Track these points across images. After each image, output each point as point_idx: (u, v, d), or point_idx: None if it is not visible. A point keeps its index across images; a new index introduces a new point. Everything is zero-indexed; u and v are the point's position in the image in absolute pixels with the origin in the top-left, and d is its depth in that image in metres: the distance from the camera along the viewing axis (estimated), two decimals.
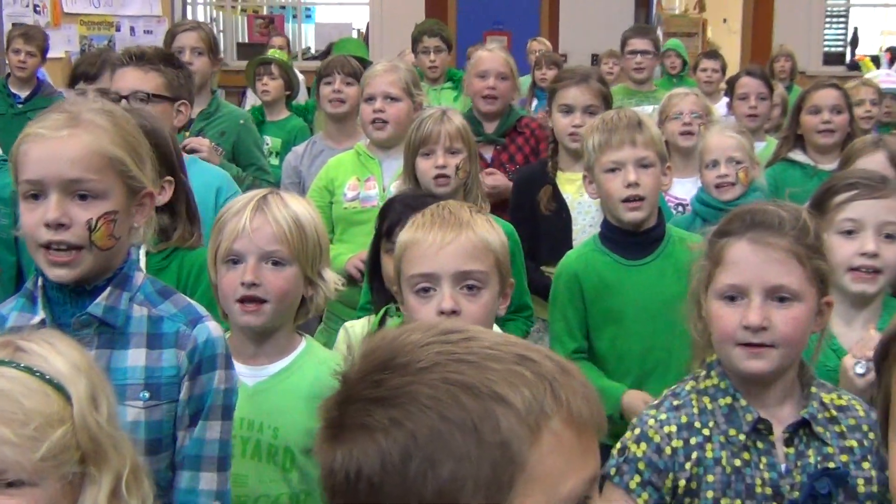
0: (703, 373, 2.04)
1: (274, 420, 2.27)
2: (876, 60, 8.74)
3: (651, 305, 2.93)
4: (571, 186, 3.73)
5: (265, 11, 14.26)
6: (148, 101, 3.32)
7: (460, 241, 2.09)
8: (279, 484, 2.29)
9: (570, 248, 3.54)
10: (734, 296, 1.94)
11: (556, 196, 3.72)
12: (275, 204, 2.28)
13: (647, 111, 5.77)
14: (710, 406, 1.98)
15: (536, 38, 9.17)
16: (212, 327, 2.03)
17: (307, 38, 14.31)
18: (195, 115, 4.31)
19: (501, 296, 2.18)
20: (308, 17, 14.49)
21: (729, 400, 1.97)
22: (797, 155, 4.32)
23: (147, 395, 1.95)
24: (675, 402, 2.01)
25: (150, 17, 9.71)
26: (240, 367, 2.23)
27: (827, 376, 2.17)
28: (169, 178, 2.57)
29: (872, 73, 6.96)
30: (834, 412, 1.98)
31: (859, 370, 2.14)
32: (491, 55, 4.49)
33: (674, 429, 1.96)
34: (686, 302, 2.10)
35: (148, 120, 2.61)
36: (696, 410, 1.99)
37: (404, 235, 2.19)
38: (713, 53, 7.51)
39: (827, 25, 12.38)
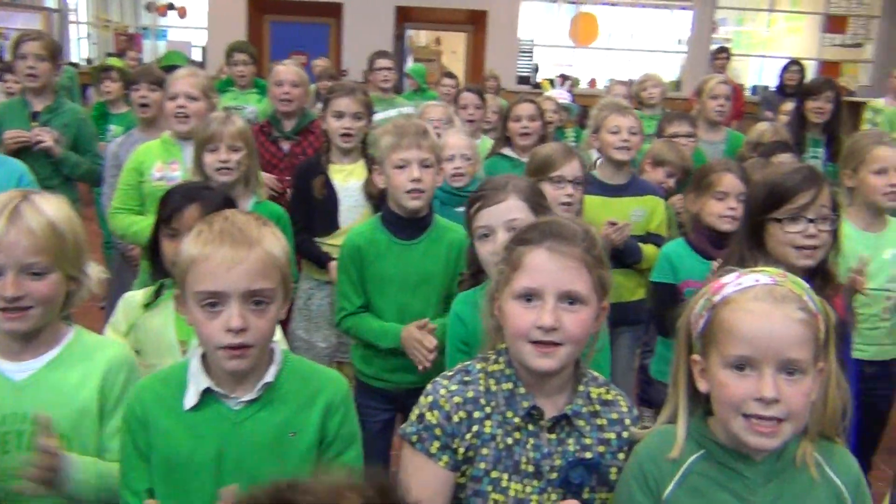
0: (494, 357, 1.65)
1: (45, 412, 1.65)
2: (552, 82, 8.74)
3: (412, 277, 2.64)
4: (339, 175, 3.39)
5: (131, 30, 13.33)
6: None
7: (251, 260, 1.53)
8: None
9: (338, 224, 3.32)
10: (530, 297, 1.55)
11: (328, 183, 3.36)
12: (28, 212, 1.66)
13: (391, 114, 5.52)
14: (494, 388, 1.61)
15: (319, 58, 8.67)
16: None
17: (160, 52, 13.22)
18: (41, 110, 3.82)
19: (284, 304, 1.65)
20: (162, 35, 13.54)
21: (510, 386, 1.61)
22: (507, 151, 4.11)
23: None
24: (466, 378, 1.63)
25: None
26: (6, 364, 1.71)
27: None
28: None
29: (550, 91, 6.90)
30: (598, 406, 1.63)
31: None
32: (285, 68, 4.10)
33: (460, 400, 1.59)
34: (483, 299, 1.69)
35: None
36: (482, 388, 1.61)
37: (192, 248, 1.56)
38: (451, 74, 7.28)
39: (519, 58, 12.37)
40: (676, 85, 11.96)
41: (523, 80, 12.09)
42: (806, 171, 2.12)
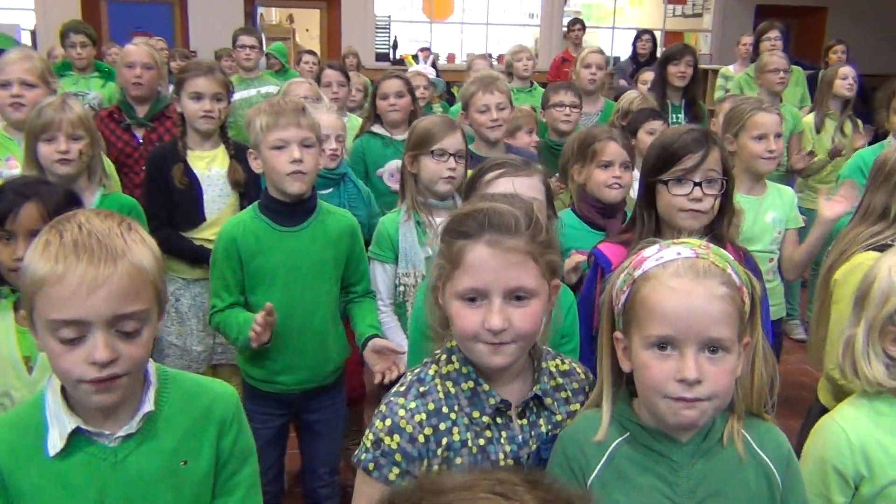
0: (445, 357, 1.49)
1: None
2: (416, 58, 8.59)
3: (301, 267, 2.44)
4: (200, 163, 3.12)
5: None
6: None
7: (116, 279, 1.25)
8: None
9: (203, 216, 3.05)
10: (474, 297, 1.39)
11: (188, 172, 3.08)
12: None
13: (251, 94, 5.25)
14: (453, 390, 1.46)
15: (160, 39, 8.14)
16: None
17: None
18: None
19: (160, 319, 1.39)
20: None
21: (472, 384, 1.46)
22: (377, 128, 3.93)
23: None
24: (422, 389, 1.47)
25: None
26: None
27: None
28: None
29: (416, 67, 6.75)
30: (559, 379, 1.54)
31: None
32: (137, 49, 3.74)
33: (423, 417, 1.43)
34: (425, 293, 1.53)
35: None
36: (441, 395, 1.45)
37: (39, 265, 1.25)
38: (311, 51, 7.01)
39: (376, 34, 12.10)
40: None
41: (382, 57, 11.88)
42: (696, 134, 2.08)
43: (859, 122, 4.94)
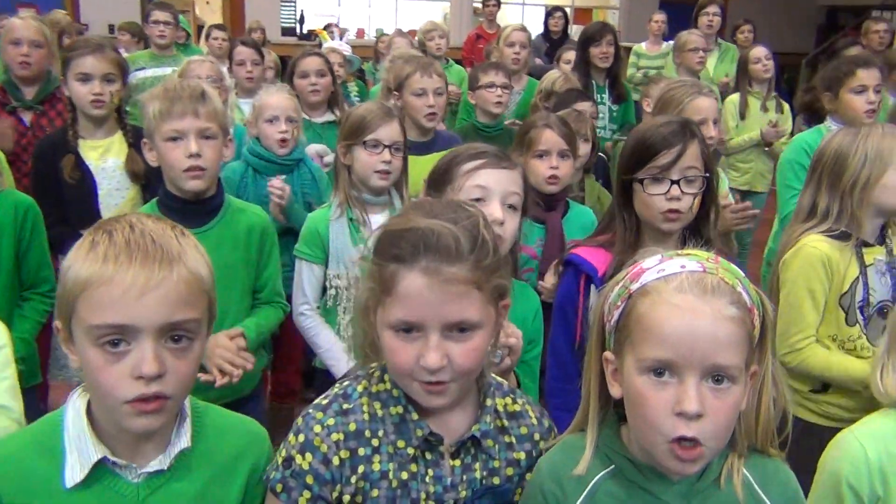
0: (378, 374, 1.32)
1: None
2: (330, 33, 8.21)
3: None
4: (93, 153, 2.80)
5: None
6: None
7: (171, 282, 1.12)
8: None
9: (98, 212, 2.72)
10: (409, 329, 1.21)
11: (80, 163, 2.75)
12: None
13: (165, 72, 4.86)
14: (380, 413, 1.28)
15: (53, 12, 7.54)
16: None
17: None
18: None
19: (206, 340, 1.23)
20: None
21: (400, 410, 1.28)
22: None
23: None
24: (345, 406, 1.29)
25: None
26: None
27: None
28: None
29: (331, 43, 6.43)
30: (505, 421, 1.34)
31: (493, 359, 1.47)
32: (24, 23, 3.33)
33: (340, 437, 1.26)
34: (355, 312, 1.33)
35: None
36: (366, 417, 1.28)
37: (86, 267, 1.13)
38: (221, 26, 6.57)
39: (282, 7, 11.57)
40: None
41: (288, 31, 11.40)
42: (673, 126, 1.91)
43: (784, 103, 4.95)
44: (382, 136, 2.44)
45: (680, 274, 1.16)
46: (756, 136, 4.83)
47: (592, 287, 1.94)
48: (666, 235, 1.92)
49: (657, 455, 1.16)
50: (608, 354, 1.23)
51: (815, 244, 2.19)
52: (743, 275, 1.19)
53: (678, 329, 1.12)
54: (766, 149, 4.85)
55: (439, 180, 1.78)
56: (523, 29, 4.79)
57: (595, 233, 2.13)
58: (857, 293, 2.19)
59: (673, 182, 1.87)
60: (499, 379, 1.41)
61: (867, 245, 2.21)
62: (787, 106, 4.96)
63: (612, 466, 1.23)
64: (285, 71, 4.03)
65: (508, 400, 1.37)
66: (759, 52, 5.10)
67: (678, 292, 1.14)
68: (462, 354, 1.21)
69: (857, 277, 2.18)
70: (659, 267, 1.19)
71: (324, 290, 2.48)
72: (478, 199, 1.71)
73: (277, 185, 2.89)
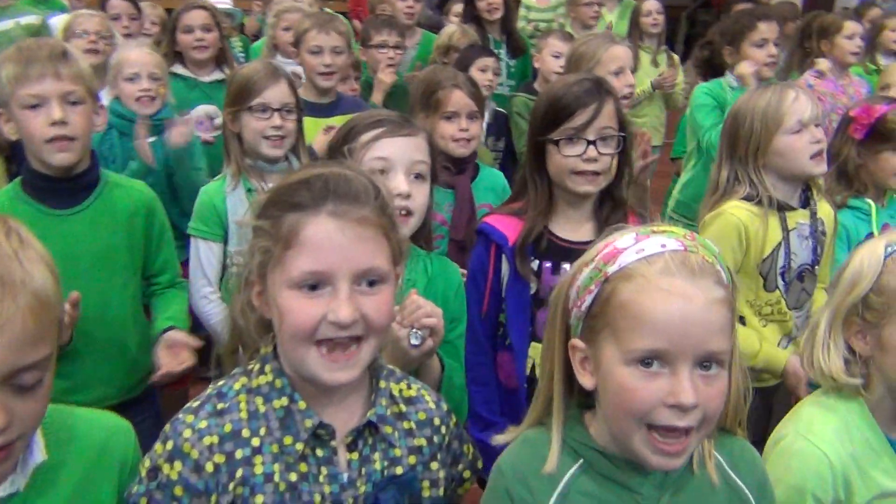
0: (257, 366, 1.18)
1: None
2: None
3: (82, 259, 1.90)
4: None
5: None
6: None
7: (16, 321, 0.90)
8: None
9: None
10: (315, 285, 1.09)
11: None
12: None
13: (8, 25, 4.39)
14: (262, 408, 1.15)
15: None
16: None
17: None
18: None
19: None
20: None
21: (285, 402, 1.15)
22: (179, 69, 3.39)
23: None
24: (220, 406, 1.16)
25: None
26: None
27: None
28: None
29: None
30: (402, 406, 1.23)
31: (414, 341, 1.37)
32: None
33: (214, 440, 1.12)
34: (234, 289, 1.20)
35: None
36: (244, 415, 1.14)
37: None
38: None
39: None
40: None
41: None
42: (587, 84, 1.84)
43: (675, 56, 4.97)
44: (270, 98, 2.25)
45: (662, 254, 1.07)
46: (648, 89, 4.83)
47: (503, 256, 1.88)
48: (581, 199, 1.86)
49: (639, 450, 1.07)
50: (576, 342, 1.13)
51: (734, 210, 2.16)
52: (717, 250, 1.11)
53: (672, 316, 1.03)
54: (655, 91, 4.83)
55: (337, 155, 1.62)
56: None
57: (508, 199, 2.05)
58: (778, 258, 2.17)
59: (589, 142, 1.80)
60: (390, 366, 1.29)
61: (791, 209, 2.19)
62: (677, 58, 4.99)
63: (581, 461, 1.15)
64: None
65: (403, 385, 1.27)
66: (650, 5, 5.09)
67: (665, 275, 1.05)
68: (375, 308, 1.11)
69: (780, 242, 2.17)
70: (637, 247, 1.08)
71: (223, 269, 2.28)
72: (381, 172, 1.57)
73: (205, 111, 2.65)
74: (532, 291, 1.87)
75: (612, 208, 1.87)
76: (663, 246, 1.08)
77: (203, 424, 1.13)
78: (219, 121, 3.32)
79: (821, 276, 2.26)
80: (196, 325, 3.43)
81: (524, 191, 1.92)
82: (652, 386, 1.04)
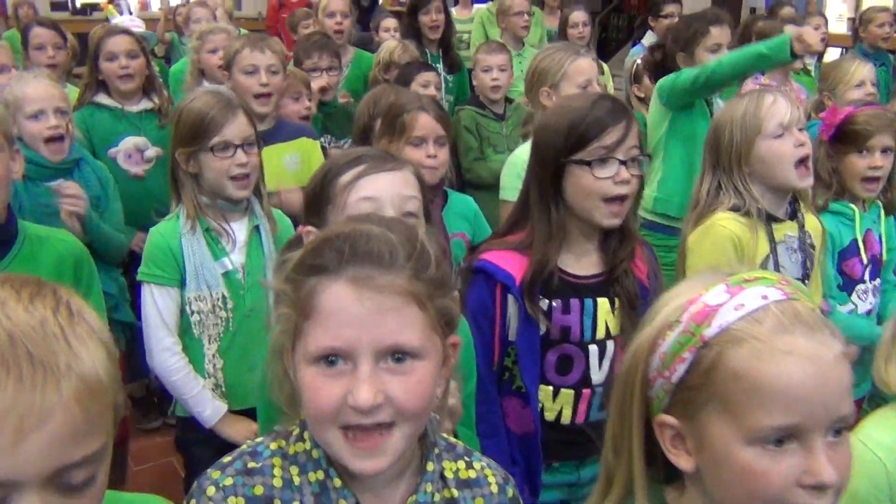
0: (296, 431, 1.03)
1: None
2: (117, 6, 7.30)
3: None
4: None
5: None
6: None
7: (59, 411, 0.73)
8: None
9: None
10: (334, 359, 0.94)
11: None
12: None
13: None
14: (297, 479, 1.00)
15: None
16: None
17: None
18: None
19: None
20: None
21: (321, 476, 1.00)
22: (103, 98, 3.12)
23: None
24: (251, 465, 1.02)
25: None
26: None
27: None
28: None
29: (119, 18, 5.70)
30: (455, 491, 1.06)
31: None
32: None
33: (241, 502, 0.99)
34: (268, 357, 1.02)
35: None
36: (278, 482, 1.00)
37: None
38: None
39: None
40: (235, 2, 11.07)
41: (59, 6, 10.14)
42: (609, 102, 1.70)
43: (604, 64, 4.93)
44: (231, 135, 2.04)
45: (768, 308, 0.90)
46: None
47: (510, 297, 1.71)
48: (594, 230, 1.71)
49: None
50: (667, 419, 0.95)
51: (724, 223, 2.06)
52: (805, 287, 0.97)
53: (804, 384, 0.87)
54: None
55: (316, 202, 1.42)
56: None
57: (501, 232, 1.87)
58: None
59: (621, 162, 1.66)
60: (451, 439, 1.13)
61: (777, 220, 2.10)
62: (607, 67, 4.95)
63: None
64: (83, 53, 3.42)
65: (462, 464, 1.10)
66: (578, 16, 5.07)
67: (782, 334, 0.88)
68: (402, 388, 0.94)
69: (768, 255, 2.08)
70: (734, 302, 0.92)
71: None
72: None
73: (70, 189, 2.39)
74: (541, 332, 1.72)
75: (620, 240, 1.74)
76: (765, 297, 0.91)
77: (229, 482, 1.00)
78: (150, 153, 3.09)
79: (812, 292, 2.18)
80: (137, 373, 3.18)
81: (523, 222, 1.75)
82: (783, 466, 0.87)
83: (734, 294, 0.92)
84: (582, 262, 1.74)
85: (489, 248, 1.79)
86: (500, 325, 1.72)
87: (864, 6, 8.51)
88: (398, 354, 0.94)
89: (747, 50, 2.81)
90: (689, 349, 0.92)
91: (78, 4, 10.13)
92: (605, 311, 1.74)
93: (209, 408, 2.02)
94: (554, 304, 1.71)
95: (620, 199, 1.67)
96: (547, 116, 1.80)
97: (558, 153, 1.68)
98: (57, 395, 0.74)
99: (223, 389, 2.06)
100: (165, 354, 2.00)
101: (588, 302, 1.73)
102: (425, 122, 2.33)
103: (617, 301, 1.75)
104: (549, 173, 1.70)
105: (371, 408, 0.92)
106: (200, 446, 2.05)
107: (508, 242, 1.76)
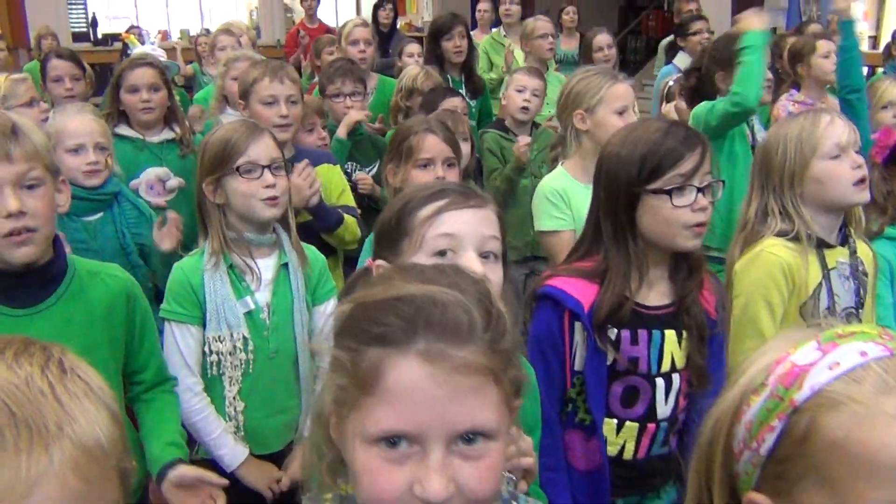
0: None
1: None
2: (140, 37, 7.32)
3: None
4: None
5: None
6: None
7: (51, 478, 0.64)
8: None
9: None
10: (398, 441, 0.83)
11: None
12: None
13: None
14: None
15: None
16: None
17: None
18: None
19: None
20: None
21: None
22: (124, 129, 3.04)
23: None
24: None
25: None
26: None
27: None
28: None
29: (141, 48, 5.68)
30: None
31: (506, 490, 1.06)
32: None
33: None
34: (313, 421, 0.94)
35: None
36: None
37: None
38: None
39: (69, 9, 10.33)
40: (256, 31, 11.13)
41: (81, 37, 10.22)
42: (682, 130, 1.66)
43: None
44: (256, 155, 1.96)
45: (867, 366, 0.78)
46: None
47: (577, 325, 1.65)
48: (667, 258, 1.67)
49: None
50: (757, 498, 0.82)
51: (773, 249, 1.95)
52: None
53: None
54: None
55: (390, 235, 1.30)
56: (365, 24, 4.40)
57: (569, 259, 1.80)
58: (820, 301, 1.96)
59: (699, 190, 1.63)
60: (526, 499, 1.03)
61: (828, 247, 1.99)
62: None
63: None
64: (102, 84, 3.37)
65: None
66: (602, 39, 4.98)
67: (886, 395, 0.76)
68: (475, 477, 0.83)
69: (821, 283, 1.96)
70: (827, 361, 0.80)
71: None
72: (443, 252, 1.26)
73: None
74: (608, 362, 1.66)
75: (689, 270, 1.70)
76: (863, 354, 0.79)
77: None
78: (172, 183, 3.01)
79: (866, 321, 2.05)
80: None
81: (593, 250, 1.70)
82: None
83: (827, 351, 0.80)
84: (652, 293, 1.69)
85: (556, 273, 1.73)
86: (570, 354, 1.66)
87: (886, 25, 8.42)
88: (470, 437, 0.84)
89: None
90: (779, 416, 0.80)
91: (99, 35, 10.19)
92: (671, 343, 1.70)
93: (230, 451, 1.93)
94: (625, 333, 1.66)
95: (699, 225, 1.64)
96: (614, 147, 1.72)
97: (632, 183, 1.64)
98: (47, 460, 0.65)
99: (244, 433, 1.97)
100: (187, 395, 1.91)
101: (656, 333, 1.68)
102: (433, 144, 2.25)
103: (685, 332, 1.70)
104: (622, 204, 1.66)
105: (444, 500, 0.81)
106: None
107: (577, 270, 1.70)
